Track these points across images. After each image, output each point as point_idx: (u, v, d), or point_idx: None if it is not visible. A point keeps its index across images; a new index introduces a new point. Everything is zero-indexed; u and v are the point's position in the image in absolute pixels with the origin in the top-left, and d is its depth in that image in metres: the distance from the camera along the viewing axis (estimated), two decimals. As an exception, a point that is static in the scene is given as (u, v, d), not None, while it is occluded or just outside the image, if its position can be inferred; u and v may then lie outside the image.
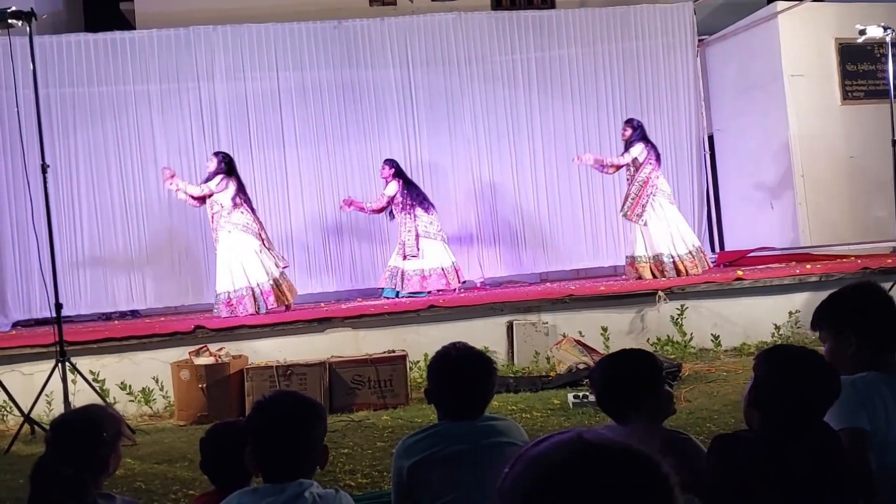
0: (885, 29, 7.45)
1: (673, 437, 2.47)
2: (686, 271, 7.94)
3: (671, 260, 7.99)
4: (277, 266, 7.68)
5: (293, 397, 2.22)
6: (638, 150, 8.08)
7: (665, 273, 7.95)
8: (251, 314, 7.30)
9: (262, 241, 7.64)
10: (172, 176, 7.65)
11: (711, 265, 8.64)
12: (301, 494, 2.06)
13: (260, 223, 7.75)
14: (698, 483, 2.15)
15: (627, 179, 8.27)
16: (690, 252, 8.10)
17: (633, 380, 2.52)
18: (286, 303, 7.71)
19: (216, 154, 7.84)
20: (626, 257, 8.41)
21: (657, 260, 8.04)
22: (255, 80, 9.52)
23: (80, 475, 2.18)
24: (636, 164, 8.10)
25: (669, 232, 8.07)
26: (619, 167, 8.33)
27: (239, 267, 7.46)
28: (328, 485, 2.21)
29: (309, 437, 2.15)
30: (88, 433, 2.34)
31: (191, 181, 9.14)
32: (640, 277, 8.04)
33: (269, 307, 7.47)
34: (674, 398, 2.63)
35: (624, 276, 8.47)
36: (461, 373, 2.58)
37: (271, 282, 7.53)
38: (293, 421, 2.13)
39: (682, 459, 2.31)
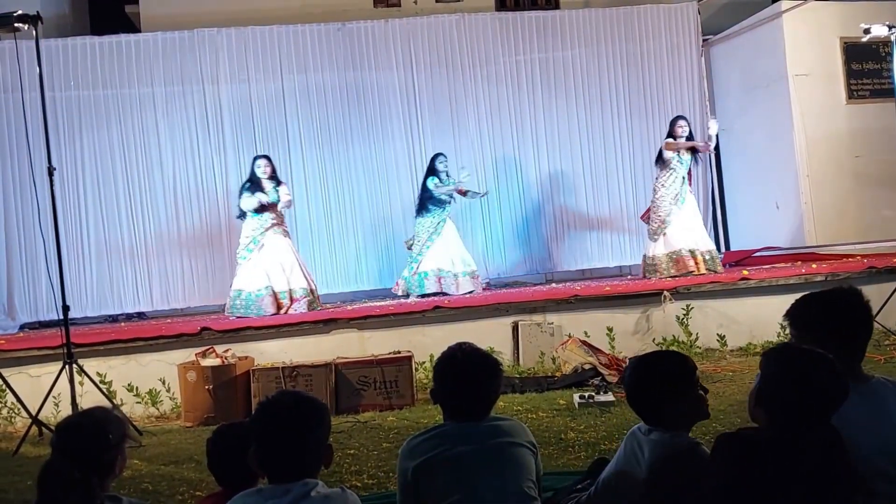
0: (890, 28, 7.42)
1: (689, 447, 2.47)
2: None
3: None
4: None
5: (296, 397, 2.22)
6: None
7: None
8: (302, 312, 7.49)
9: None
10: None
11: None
12: (307, 494, 2.06)
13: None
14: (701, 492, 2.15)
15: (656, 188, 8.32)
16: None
17: (662, 381, 2.52)
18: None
19: (266, 158, 7.92)
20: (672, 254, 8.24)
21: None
22: (260, 82, 9.54)
23: (87, 478, 2.19)
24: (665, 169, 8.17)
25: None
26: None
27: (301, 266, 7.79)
28: (334, 485, 2.21)
29: (312, 436, 2.15)
30: (94, 436, 2.35)
31: (196, 184, 9.23)
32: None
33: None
34: (706, 402, 2.59)
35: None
36: (467, 374, 2.58)
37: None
38: (296, 421, 2.13)
39: (693, 471, 2.32)
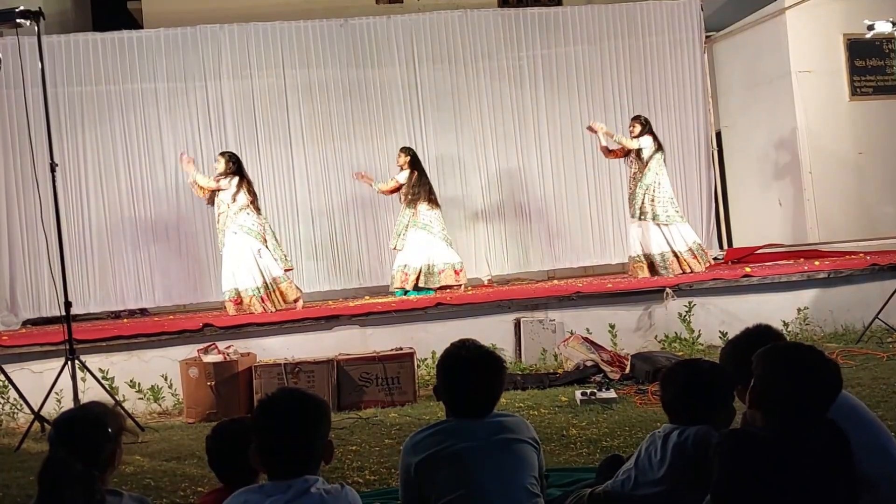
0: (894, 24, 7.40)
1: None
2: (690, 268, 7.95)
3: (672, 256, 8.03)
4: (278, 267, 7.63)
5: (296, 395, 2.22)
6: (647, 142, 8.03)
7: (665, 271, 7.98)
8: (260, 313, 7.33)
9: (265, 242, 7.60)
10: (192, 161, 7.74)
11: (712, 261, 8.61)
12: (307, 490, 2.06)
13: (265, 226, 7.69)
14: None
15: (630, 178, 8.22)
16: (691, 249, 8.09)
17: (709, 391, 2.60)
18: (281, 306, 7.56)
19: (224, 154, 7.75)
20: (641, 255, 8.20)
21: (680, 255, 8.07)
22: (262, 78, 9.53)
23: (89, 471, 2.19)
24: (641, 163, 8.04)
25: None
26: (624, 152, 8.21)
27: (245, 267, 7.47)
28: (335, 481, 2.21)
29: (313, 433, 2.15)
30: (93, 429, 2.35)
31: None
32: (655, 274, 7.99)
33: (271, 309, 7.47)
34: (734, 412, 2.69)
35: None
36: (471, 371, 2.58)
37: (269, 284, 7.53)
38: (296, 418, 2.14)
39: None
